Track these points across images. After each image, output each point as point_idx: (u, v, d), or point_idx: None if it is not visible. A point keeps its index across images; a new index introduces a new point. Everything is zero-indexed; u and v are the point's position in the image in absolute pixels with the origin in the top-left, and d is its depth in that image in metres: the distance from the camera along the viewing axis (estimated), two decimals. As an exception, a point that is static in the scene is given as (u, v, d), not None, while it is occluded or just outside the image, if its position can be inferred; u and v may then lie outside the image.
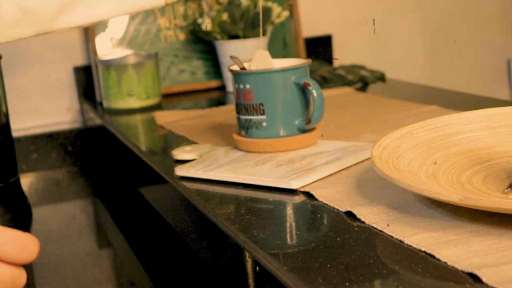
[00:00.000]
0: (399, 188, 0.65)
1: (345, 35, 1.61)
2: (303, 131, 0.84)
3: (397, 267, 0.52)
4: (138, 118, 1.25)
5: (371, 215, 0.62)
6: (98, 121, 1.31)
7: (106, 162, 1.37)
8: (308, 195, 0.71)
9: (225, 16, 1.35)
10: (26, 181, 1.37)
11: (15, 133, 1.41)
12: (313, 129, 0.85)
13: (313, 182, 0.73)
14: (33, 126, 1.45)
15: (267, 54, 0.87)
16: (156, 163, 0.90)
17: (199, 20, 1.37)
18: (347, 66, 1.41)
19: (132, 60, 1.29)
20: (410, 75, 1.64)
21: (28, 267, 0.94)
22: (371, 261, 0.53)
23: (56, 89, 1.45)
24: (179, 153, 0.88)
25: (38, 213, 1.21)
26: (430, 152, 0.71)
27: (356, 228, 0.60)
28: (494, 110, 0.75)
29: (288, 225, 0.65)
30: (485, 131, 0.74)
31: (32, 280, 0.90)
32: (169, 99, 1.38)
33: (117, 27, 1.40)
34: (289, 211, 0.69)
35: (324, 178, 0.74)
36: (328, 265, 0.53)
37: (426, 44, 1.69)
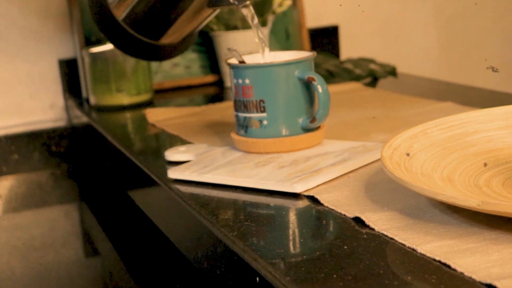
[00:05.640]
0: (412, 192, 0.66)
1: (352, 26, 1.61)
2: (307, 130, 0.84)
3: (409, 278, 0.52)
4: (128, 115, 1.25)
5: (381, 222, 0.62)
6: (84, 119, 1.31)
7: (93, 164, 1.37)
8: (313, 199, 0.71)
9: (222, 5, 1.35)
10: (6, 184, 1.37)
11: (-6, 132, 1.41)
12: (318, 128, 0.85)
13: (318, 186, 0.73)
14: (13, 125, 1.45)
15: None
16: (148, 165, 0.90)
17: (194, 9, 1.37)
18: (355, 59, 1.41)
19: (121, 52, 1.29)
20: (423, 69, 1.64)
21: (8, 277, 0.94)
22: (381, 272, 0.53)
23: (39, 84, 1.45)
24: (173, 154, 0.88)
25: (19, 218, 1.21)
26: (446, 152, 0.71)
27: (365, 236, 0.60)
28: (515, 107, 0.75)
29: (290, 232, 0.65)
30: (505, 130, 0.74)
31: (12, 292, 0.91)
32: (162, 95, 1.38)
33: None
34: (292, 217, 0.69)
35: (330, 181, 0.74)
36: (335, 276, 0.53)
37: (440, 35, 1.69)
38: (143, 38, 0.98)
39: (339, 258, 0.56)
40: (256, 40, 0.87)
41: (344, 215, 0.65)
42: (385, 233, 0.60)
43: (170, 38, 0.99)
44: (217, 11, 0.96)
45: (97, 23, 1.00)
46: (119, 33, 0.98)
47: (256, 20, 0.88)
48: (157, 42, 0.99)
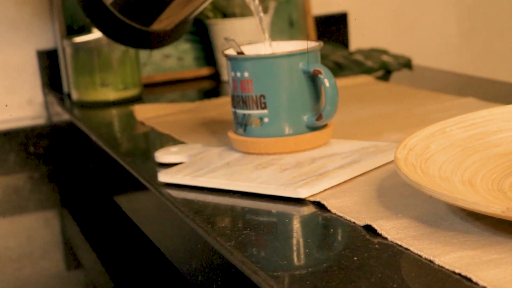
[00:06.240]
0: (429, 197, 0.65)
1: (363, 13, 1.61)
2: (312, 128, 0.84)
3: (426, 292, 0.52)
4: (114, 112, 1.25)
5: (395, 230, 0.62)
6: (65, 117, 1.31)
7: (75, 166, 1.37)
8: (319, 205, 0.71)
9: (218, -10, 1.35)
10: (-20, 188, 1.37)
11: (-34, 131, 1.41)
12: (324, 126, 0.85)
13: (324, 190, 0.73)
14: (-13, 123, 1.45)
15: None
16: (136, 167, 0.90)
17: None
18: (365, 50, 1.41)
19: (106, 42, 1.29)
20: (442, 60, 1.64)
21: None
22: (395, 285, 0.53)
23: (16, 77, 1.45)
24: (164, 155, 0.88)
25: (-6, 227, 1.21)
26: (466, 153, 0.71)
27: (377, 246, 0.60)
28: (543, 103, 0.75)
29: (294, 241, 0.65)
30: (532, 129, 0.74)
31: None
32: (152, 89, 1.38)
33: (89, 3, 1.40)
34: (296, 225, 0.69)
35: (338, 185, 0.75)
36: (343, 290, 0.53)
37: (461, 23, 1.69)
38: (133, 24, 0.98)
39: (349, 270, 0.56)
40: (257, 29, 0.87)
41: (354, 223, 0.65)
42: (399, 242, 0.60)
43: (162, 24, 0.99)
44: None
45: (83, 7, 1.01)
46: (107, 18, 0.98)
47: (257, 5, 0.88)
48: (148, 28, 0.99)
